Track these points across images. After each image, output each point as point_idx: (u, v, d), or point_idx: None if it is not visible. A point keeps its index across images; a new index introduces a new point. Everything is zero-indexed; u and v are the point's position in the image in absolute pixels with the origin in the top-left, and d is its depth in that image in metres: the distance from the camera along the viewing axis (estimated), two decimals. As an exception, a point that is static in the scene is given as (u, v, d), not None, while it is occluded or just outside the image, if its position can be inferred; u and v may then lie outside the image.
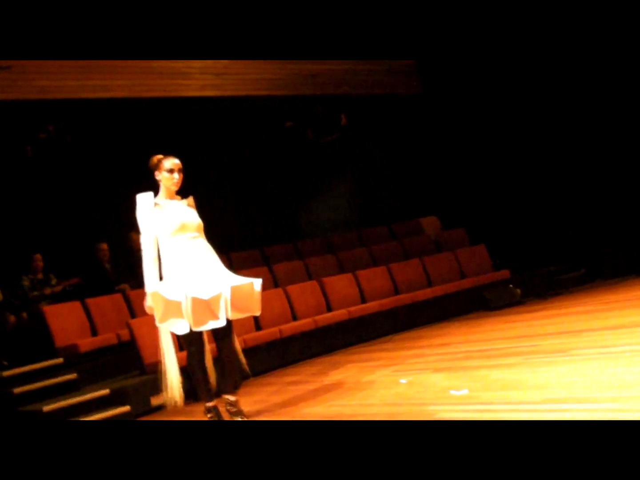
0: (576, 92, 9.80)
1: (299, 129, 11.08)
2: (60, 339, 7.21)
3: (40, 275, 7.98)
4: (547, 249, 10.24)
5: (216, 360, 4.80)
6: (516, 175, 10.62)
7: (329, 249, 10.16)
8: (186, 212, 4.66)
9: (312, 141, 11.14)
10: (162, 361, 4.67)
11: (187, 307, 4.31)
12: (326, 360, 7.36)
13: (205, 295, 4.35)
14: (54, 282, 8.03)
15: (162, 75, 9.18)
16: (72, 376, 6.67)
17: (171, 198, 4.70)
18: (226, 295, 4.40)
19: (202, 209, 4.78)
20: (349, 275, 8.87)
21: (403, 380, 4.98)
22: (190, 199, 4.78)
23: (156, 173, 4.67)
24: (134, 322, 6.96)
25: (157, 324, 4.50)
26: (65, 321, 7.35)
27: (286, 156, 10.97)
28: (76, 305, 7.56)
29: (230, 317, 4.43)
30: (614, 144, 9.51)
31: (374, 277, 8.99)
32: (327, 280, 8.60)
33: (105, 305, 7.71)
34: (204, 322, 4.37)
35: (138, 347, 6.76)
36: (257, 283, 4.59)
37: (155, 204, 4.63)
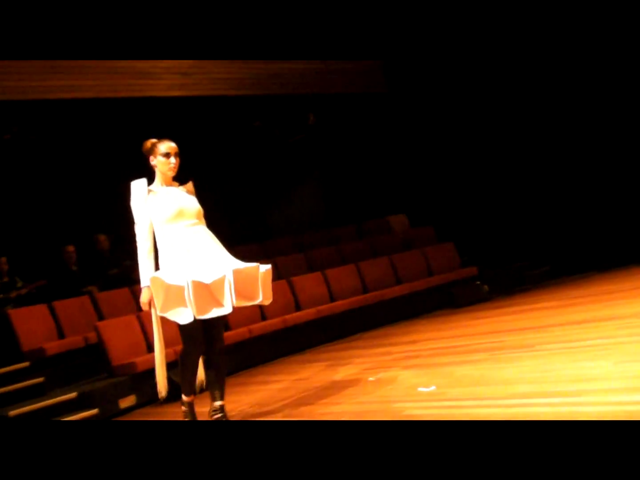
0: (542, 88, 9.89)
1: (267, 128, 11.09)
2: (27, 343, 7.14)
3: (5, 279, 7.90)
4: (514, 246, 10.35)
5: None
6: (483, 173, 10.72)
7: (298, 248, 10.17)
8: (184, 198, 4.37)
9: (280, 141, 11.15)
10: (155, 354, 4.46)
11: (189, 292, 4.00)
12: (295, 359, 7.38)
13: (207, 279, 4.05)
14: (19, 285, 7.95)
15: (129, 75, 9.13)
16: (39, 380, 6.61)
17: (168, 184, 4.41)
18: (230, 279, 4.07)
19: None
20: (318, 274, 8.89)
21: (372, 378, 5.01)
22: (190, 185, 4.50)
23: (151, 158, 4.38)
24: (102, 325, 6.92)
25: (159, 313, 4.20)
26: (32, 324, 7.28)
27: (255, 156, 10.95)
28: (43, 308, 7.49)
29: (236, 304, 4.10)
30: (579, 141, 9.62)
31: (343, 275, 9.02)
32: (296, 279, 8.61)
33: (72, 308, 7.64)
34: (207, 310, 4.06)
35: (106, 349, 6.72)
36: (262, 267, 4.25)
37: (150, 190, 4.33)
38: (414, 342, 6.60)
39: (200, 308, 4.03)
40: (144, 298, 4.29)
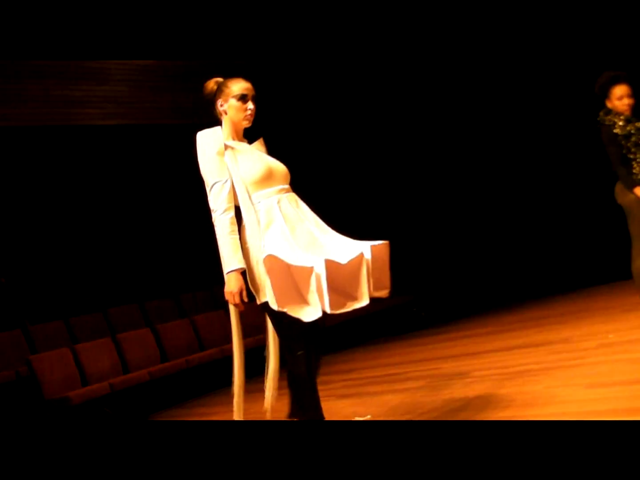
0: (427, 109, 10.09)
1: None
2: (-45, 378, 6.93)
3: None
4: (451, 274, 10.50)
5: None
6: (414, 200, 10.84)
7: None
8: (268, 157, 3.36)
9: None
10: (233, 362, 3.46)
11: (320, 276, 2.93)
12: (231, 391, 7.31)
13: (342, 259, 3.01)
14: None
15: (63, 103, 9.02)
16: (-32, 416, 6.43)
17: (240, 139, 3.38)
18: (368, 257, 3.08)
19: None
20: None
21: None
22: (262, 142, 3.48)
23: (219, 102, 3.35)
24: (34, 358, 6.77)
25: (276, 307, 3.04)
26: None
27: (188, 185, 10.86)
28: (-28, 341, 7.29)
29: (373, 294, 3.15)
30: (505, 164, 9.85)
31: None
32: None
33: (2, 340, 7.45)
34: (341, 302, 3.05)
35: (39, 383, 6.58)
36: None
37: (225, 145, 3.26)
38: (350, 370, 6.63)
39: (334, 300, 2.98)
40: (232, 286, 3.15)
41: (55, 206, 8.89)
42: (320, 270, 2.93)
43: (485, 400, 3.91)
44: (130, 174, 9.63)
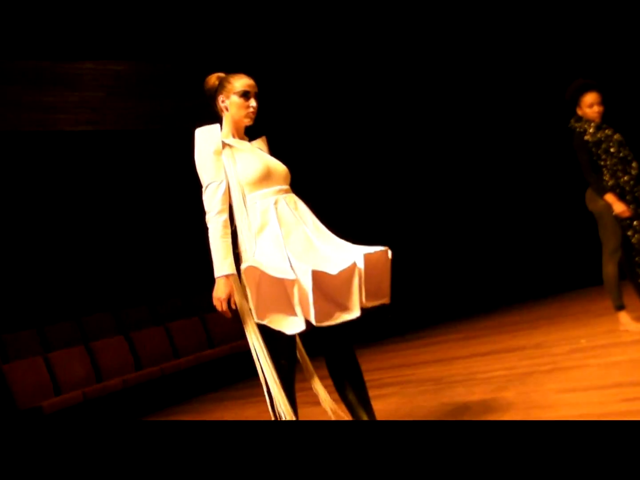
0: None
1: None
2: None
3: None
4: (421, 282, 10.54)
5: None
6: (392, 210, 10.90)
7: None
8: (267, 156, 3.23)
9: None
10: (259, 371, 3.09)
11: (304, 288, 2.82)
12: (206, 398, 7.31)
13: (333, 269, 2.88)
14: None
15: (36, 109, 8.95)
16: (-62, 427, 6.35)
17: (240, 137, 3.26)
18: (360, 267, 2.93)
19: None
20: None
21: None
22: (264, 140, 3.36)
23: (219, 99, 3.23)
24: (7, 367, 6.71)
25: (256, 319, 2.94)
26: None
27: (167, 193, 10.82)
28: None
29: (366, 304, 2.98)
30: (476, 169, 9.95)
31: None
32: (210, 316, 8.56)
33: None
34: (329, 314, 2.89)
35: (11, 392, 6.52)
36: (389, 253, 3.12)
37: (224, 143, 3.14)
38: (326, 377, 6.61)
39: (320, 312, 2.85)
40: (220, 292, 2.98)
41: (27, 214, 8.80)
42: (307, 282, 2.81)
43: (458, 406, 3.94)
44: (103, 181, 9.57)
